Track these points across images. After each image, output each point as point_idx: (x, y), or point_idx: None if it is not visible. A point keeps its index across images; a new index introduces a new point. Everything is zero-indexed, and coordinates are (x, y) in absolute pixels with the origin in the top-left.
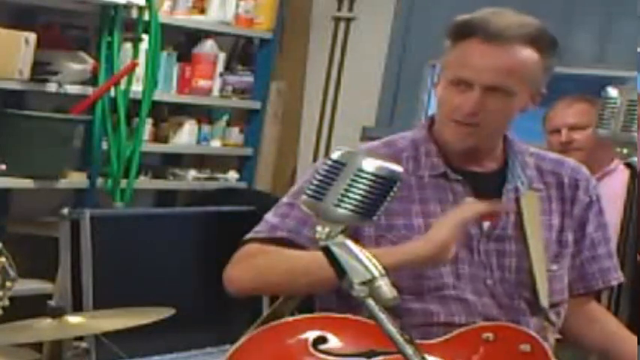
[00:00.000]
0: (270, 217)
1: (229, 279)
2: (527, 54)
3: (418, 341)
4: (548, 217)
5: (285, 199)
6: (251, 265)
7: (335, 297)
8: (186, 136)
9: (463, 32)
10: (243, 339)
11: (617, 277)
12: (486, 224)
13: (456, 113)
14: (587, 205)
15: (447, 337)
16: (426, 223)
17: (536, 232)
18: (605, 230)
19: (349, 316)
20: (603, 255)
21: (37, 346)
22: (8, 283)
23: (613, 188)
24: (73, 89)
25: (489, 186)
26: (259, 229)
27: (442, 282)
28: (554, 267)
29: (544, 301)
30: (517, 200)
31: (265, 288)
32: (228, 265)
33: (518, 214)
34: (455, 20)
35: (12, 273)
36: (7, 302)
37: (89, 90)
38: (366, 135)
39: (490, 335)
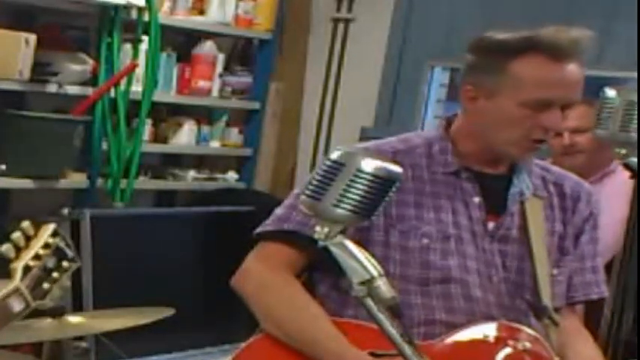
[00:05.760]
0: (278, 210)
1: (240, 287)
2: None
3: (420, 342)
4: (551, 223)
5: (295, 191)
6: (263, 300)
7: (336, 294)
8: (185, 137)
9: (522, 47)
10: (247, 342)
11: (598, 292)
12: (491, 224)
13: (543, 134)
14: (586, 217)
15: (448, 339)
16: (436, 217)
17: (540, 236)
18: (595, 245)
19: (350, 320)
20: (588, 269)
21: (37, 347)
22: (65, 264)
23: (613, 188)
24: (73, 90)
25: (496, 187)
26: (268, 222)
27: (449, 275)
28: (555, 272)
29: (547, 301)
30: (522, 204)
31: (266, 325)
32: (242, 266)
33: (523, 217)
34: (506, 37)
35: (69, 253)
36: (67, 283)
37: (89, 90)
38: (365, 135)
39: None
